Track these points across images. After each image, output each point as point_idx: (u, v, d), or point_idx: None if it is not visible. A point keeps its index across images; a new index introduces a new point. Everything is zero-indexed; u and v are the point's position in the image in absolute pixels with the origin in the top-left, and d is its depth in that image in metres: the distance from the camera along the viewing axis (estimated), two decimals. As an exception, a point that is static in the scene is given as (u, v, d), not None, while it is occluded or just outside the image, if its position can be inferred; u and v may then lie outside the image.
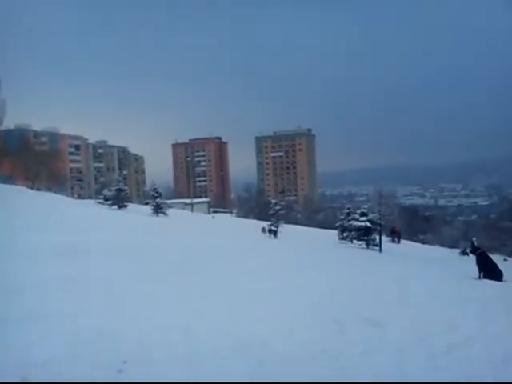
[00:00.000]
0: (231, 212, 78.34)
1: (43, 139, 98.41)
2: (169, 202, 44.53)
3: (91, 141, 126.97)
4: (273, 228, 29.10)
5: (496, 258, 24.89)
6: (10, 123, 71.16)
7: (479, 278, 13.37)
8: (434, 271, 15.93)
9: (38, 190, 48.75)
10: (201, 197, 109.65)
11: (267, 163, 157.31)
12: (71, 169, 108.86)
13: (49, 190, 53.72)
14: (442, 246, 47.69)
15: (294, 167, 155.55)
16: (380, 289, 10.47)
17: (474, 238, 15.77)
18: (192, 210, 56.24)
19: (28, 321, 5.66)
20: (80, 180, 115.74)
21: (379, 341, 6.11)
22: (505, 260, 29.67)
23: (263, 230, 28.67)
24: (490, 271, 13.29)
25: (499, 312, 8.00)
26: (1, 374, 4.14)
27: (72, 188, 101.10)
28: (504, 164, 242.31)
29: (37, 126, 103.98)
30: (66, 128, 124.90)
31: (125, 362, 4.62)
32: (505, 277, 13.11)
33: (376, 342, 6.03)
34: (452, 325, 6.95)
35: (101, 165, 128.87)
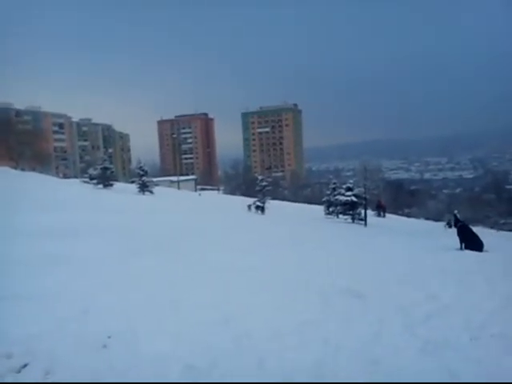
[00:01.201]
0: (218, 189, 78.20)
1: (26, 118, 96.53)
2: (155, 179, 44.32)
3: (75, 119, 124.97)
4: (259, 204, 29.16)
5: (488, 232, 25.47)
6: (-10, 102, 70.15)
7: (461, 249, 13.67)
8: (418, 243, 16.20)
9: (23, 170, 48.06)
10: (187, 174, 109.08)
11: (254, 139, 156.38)
12: (55, 148, 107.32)
13: (33, 169, 52.94)
14: (427, 219, 48.18)
15: (281, 143, 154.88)
16: (364, 261, 10.68)
17: (456, 211, 16.02)
18: (179, 188, 56.05)
19: (14, 298, 5.71)
20: (65, 159, 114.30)
21: (361, 311, 6.30)
22: (497, 231, 30.46)
23: (249, 207, 28.64)
24: (470, 242, 13.59)
25: (477, 281, 8.23)
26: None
27: (57, 167, 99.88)
28: (489, 137, 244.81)
29: (19, 105, 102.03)
30: (49, 106, 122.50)
31: (109, 338, 4.72)
32: (485, 247, 13.41)
33: (358, 312, 6.21)
34: (431, 294, 7.17)
35: (85, 143, 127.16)
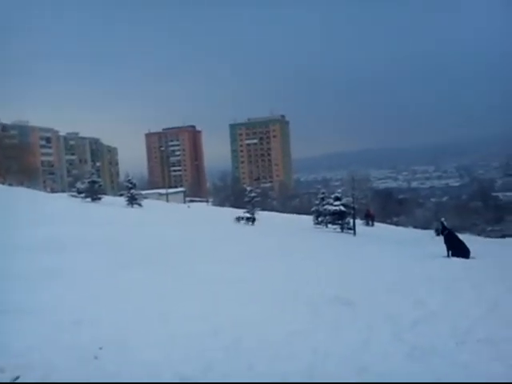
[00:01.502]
0: (207, 201, 78.17)
1: (12, 132, 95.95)
2: (143, 192, 44.21)
3: (62, 133, 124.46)
4: (249, 216, 29.13)
5: (475, 239, 25.72)
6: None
7: (448, 256, 13.83)
8: (406, 252, 16.34)
9: (10, 185, 47.68)
10: (176, 186, 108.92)
11: (242, 151, 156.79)
12: (43, 162, 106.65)
13: (21, 184, 52.59)
14: (415, 227, 48.56)
15: (269, 154, 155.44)
16: (353, 270, 10.79)
17: (443, 219, 16.21)
18: (167, 200, 55.99)
19: (5, 312, 5.73)
20: (52, 173, 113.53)
21: (350, 319, 6.38)
22: (484, 238, 30.80)
23: (238, 219, 28.45)
24: (457, 250, 13.75)
25: (464, 288, 8.36)
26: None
27: (44, 182, 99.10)
28: (475, 145, 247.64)
29: (5, 119, 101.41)
30: (36, 120, 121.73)
31: (100, 349, 4.76)
32: (472, 254, 13.59)
33: (347, 321, 6.30)
34: (418, 301, 7.27)
35: (73, 157, 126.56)
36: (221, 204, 66.87)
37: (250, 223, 28.03)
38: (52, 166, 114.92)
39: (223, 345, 5.18)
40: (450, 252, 13.91)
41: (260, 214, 33.67)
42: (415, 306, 7.02)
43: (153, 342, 5.11)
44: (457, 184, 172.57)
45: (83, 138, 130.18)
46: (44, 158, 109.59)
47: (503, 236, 38.74)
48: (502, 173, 35.19)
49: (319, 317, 6.49)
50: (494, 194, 65.17)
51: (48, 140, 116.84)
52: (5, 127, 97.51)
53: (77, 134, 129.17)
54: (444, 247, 14.35)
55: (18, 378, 4.01)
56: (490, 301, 7.23)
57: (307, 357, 4.91)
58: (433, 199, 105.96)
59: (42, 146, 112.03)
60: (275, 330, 5.76)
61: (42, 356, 4.52)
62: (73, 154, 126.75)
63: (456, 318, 6.36)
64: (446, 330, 5.86)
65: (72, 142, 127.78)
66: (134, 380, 4.21)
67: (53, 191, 70.21)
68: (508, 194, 51.98)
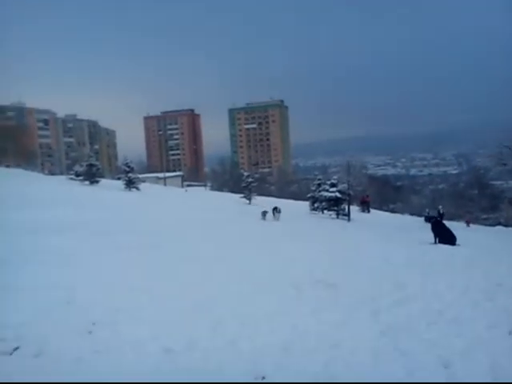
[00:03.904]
0: (205, 185, 78.40)
1: (9, 114, 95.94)
2: (141, 176, 44.37)
3: (60, 115, 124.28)
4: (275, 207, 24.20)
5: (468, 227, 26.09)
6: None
7: (435, 243, 14.22)
8: (396, 238, 16.71)
9: (7, 166, 47.84)
10: (174, 170, 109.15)
11: (241, 135, 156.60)
12: (40, 144, 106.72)
13: (18, 166, 52.71)
14: (411, 214, 48.98)
15: (268, 139, 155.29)
16: (340, 254, 11.13)
17: (440, 206, 16.60)
18: (165, 184, 56.22)
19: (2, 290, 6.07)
20: (50, 156, 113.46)
21: (331, 300, 6.75)
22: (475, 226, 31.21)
23: (264, 215, 22.37)
24: (444, 237, 14.13)
25: (443, 273, 8.73)
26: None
27: (42, 164, 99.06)
28: (473, 133, 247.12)
29: (3, 101, 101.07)
30: (33, 102, 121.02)
31: (94, 324, 5.11)
32: (459, 241, 13.96)
33: (328, 302, 6.66)
34: (399, 285, 7.64)
35: (71, 140, 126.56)
36: (219, 189, 67.19)
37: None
38: (50, 148, 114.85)
39: (208, 322, 5.53)
40: (437, 239, 14.29)
41: (257, 200, 34.04)
42: (395, 289, 7.38)
43: (140, 318, 5.46)
44: (455, 172, 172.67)
45: (81, 121, 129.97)
46: (42, 141, 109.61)
47: (498, 224, 39.19)
48: (494, 162, 35.35)
49: (302, 297, 6.85)
50: (492, 182, 65.41)
51: (46, 122, 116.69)
52: (2, 109, 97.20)
53: (75, 116, 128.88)
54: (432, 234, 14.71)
55: (17, 348, 4.35)
56: (464, 285, 7.60)
57: (286, 333, 5.28)
58: (430, 186, 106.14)
59: (40, 128, 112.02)
60: (259, 309, 6.12)
61: (38, 329, 4.86)
62: (71, 137, 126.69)
63: (431, 300, 6.73)
64: (420, 311, 6.22)
65: (70, 125, 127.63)
66: (124, 357, 4.56)
67: (51, 174, 70.24)
68: (501, 182, 52.28)
